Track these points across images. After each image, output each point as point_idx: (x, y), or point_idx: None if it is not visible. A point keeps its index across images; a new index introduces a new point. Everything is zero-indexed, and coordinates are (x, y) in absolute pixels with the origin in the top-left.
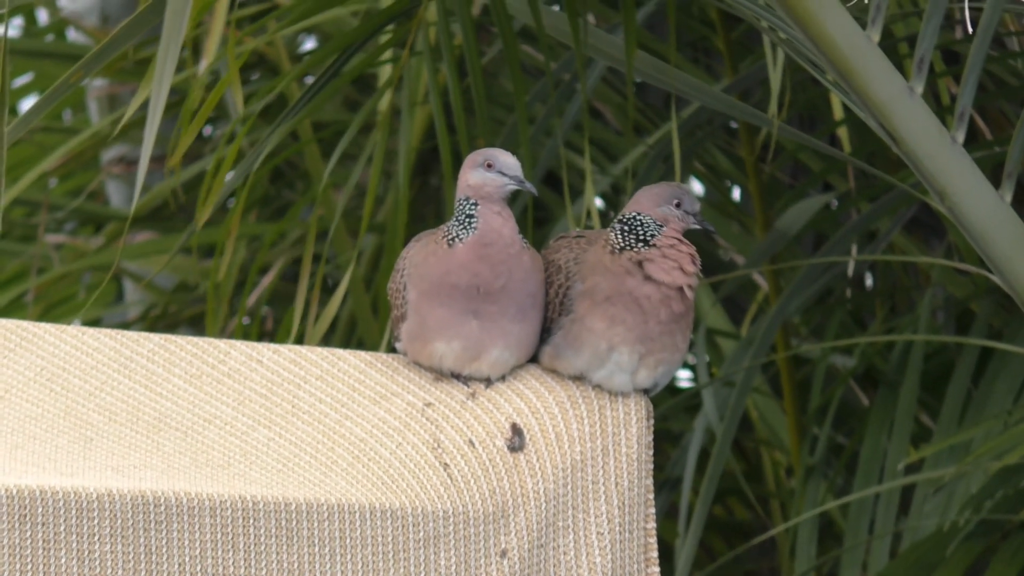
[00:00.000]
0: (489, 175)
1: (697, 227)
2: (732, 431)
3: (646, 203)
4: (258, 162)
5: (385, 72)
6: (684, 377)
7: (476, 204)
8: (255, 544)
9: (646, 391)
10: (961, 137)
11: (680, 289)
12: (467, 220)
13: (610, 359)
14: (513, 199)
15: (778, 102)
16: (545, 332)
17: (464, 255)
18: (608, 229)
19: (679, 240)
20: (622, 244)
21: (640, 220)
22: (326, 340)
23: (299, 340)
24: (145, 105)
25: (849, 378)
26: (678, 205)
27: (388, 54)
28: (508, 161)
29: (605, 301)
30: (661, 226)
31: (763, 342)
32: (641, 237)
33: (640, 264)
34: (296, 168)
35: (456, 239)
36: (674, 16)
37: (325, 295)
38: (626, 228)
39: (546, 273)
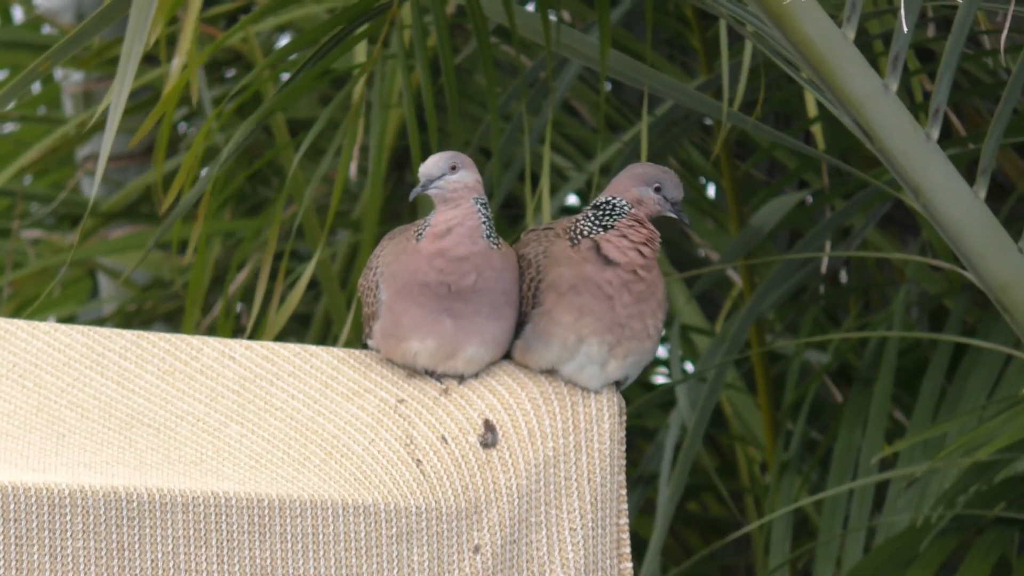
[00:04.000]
0: (451, 178)
1: (672, 215)
2: (703, 426)
3: (625, 183)
4: (226, 152)
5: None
6: (659, 373)
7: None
8: (227, 540)
9: (617, 384)
10: (935, 134)
11: (634, 272)
12: (429, 217)
13: (579, 351)
14: (489, 197)
15: (753, 99)
16: (518, 326)
17: (425, 248)
18: (575, 216)
19: (638, 223)
20: (584, 231)
21: (610, 205)
22: (301, 338)
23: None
24: None
25: (823, 374)
26: (658, 189)
27: (362, 47)
28: (422, 166)
29: (570, 291)
30: (630, 208)
31: (737, 338)
32: (602, 223)
33: (597, 248)
34: (271, 165)
35: (419, 235)
36: (651, 15)
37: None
38: (593, 215)
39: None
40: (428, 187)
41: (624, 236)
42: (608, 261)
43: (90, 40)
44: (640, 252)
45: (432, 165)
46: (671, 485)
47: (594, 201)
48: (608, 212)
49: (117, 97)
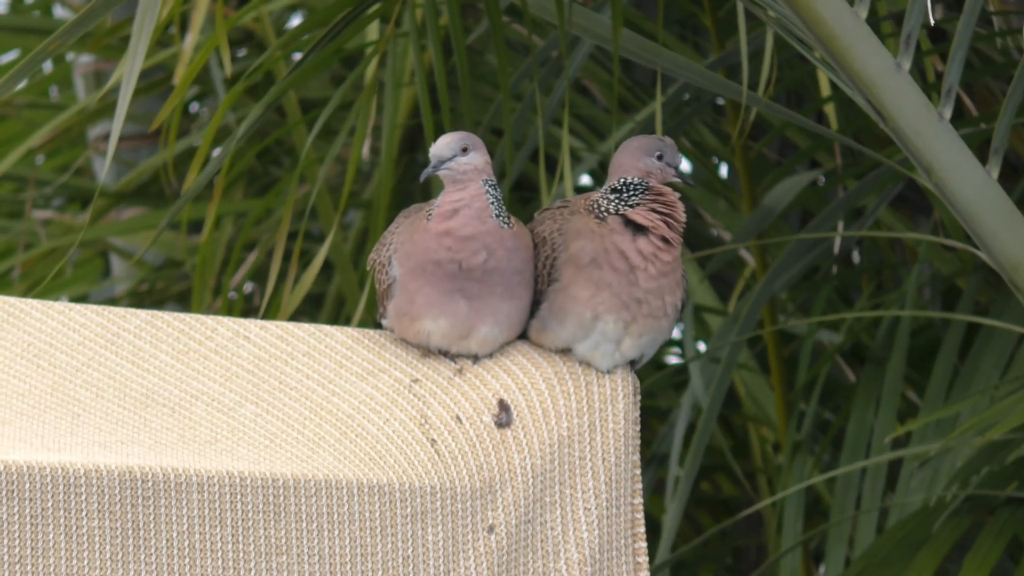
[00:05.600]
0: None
1: (677, 180)
2: (718, 406)
3: (628, 158)
4: (240, 132)
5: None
6: (671, 353)
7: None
8: (242, 520)
9: (632, 363)
10: (948, 114)
11: (666, 240)
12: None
13: (595, 329)
14: (500, 179)
15: (766, 79)
16: (534, 305)
17: (434, 227)
18: (593, 193)
19: (662, 195)
20: (611, 210)
21: (630, 185)
22: (313, 317)
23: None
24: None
25: (836, 354)
26: (660, 157)
27: (374, 26)
28: (433, 146)
29: (590, 264)
30: (648, 185)
31: (750, 318)
32: (628, 203)
33: (626, 221)
34: (283, 144)
35: (429, 214)
36: None
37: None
38: (615, 196)
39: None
40: (439, 168)
41: (653, 209)
42: (638, 228)
43: (101, 19)
44: (670, 219)
45: (443, 146)
46: (686, 466)
47: (610, 184)
48: (632, 191)
49: (127, 79)
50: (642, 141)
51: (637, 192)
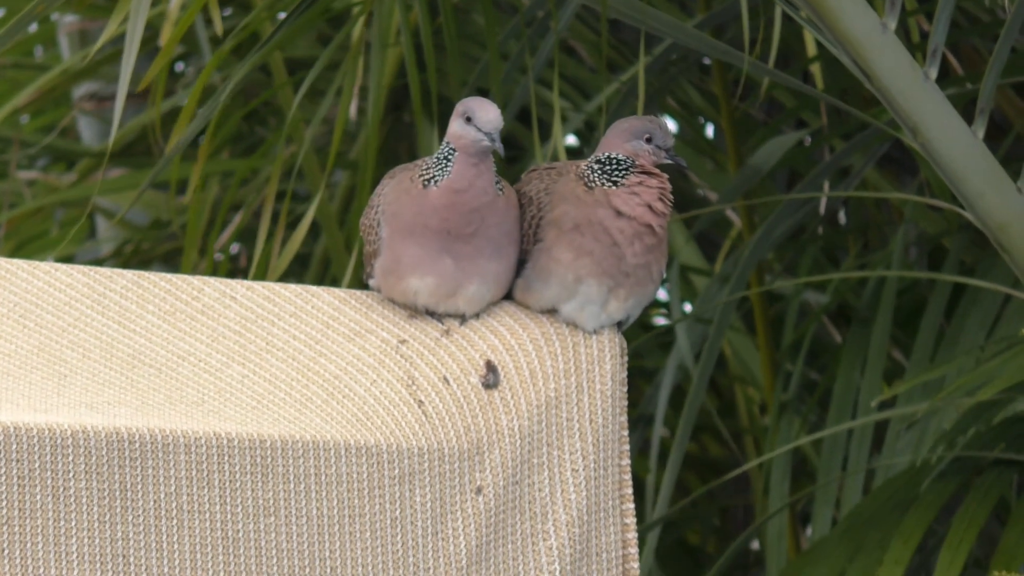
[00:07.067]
0: (468, 128)
1: (669, 162)
2: (709, 370)
3: (616, 139)
4: (227, 93)
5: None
6: (659, 315)
7: (455, 152)
8: (230, 481)
9: (619, 324)
10: (934, 74)
11: (649, 226)
12: (444, 164)
13: (578, 291)
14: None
15: (752, 38)
16: (520, 265)
17: (436, 198)
18: (582, 162)
19: (648, 175)
20: (596, 182)
21: (614, 160)
22: (299, 278)
23: (263, 275)
24: (115, 41)
25: (822, 314)
26: (649, 140)
27: None
28: (486, 116)
29: (573, 230)
30: (633, 163)
31: (739, 281)
32: (611, 179)
33: (609, 200)
34: (269, 105)
35: (432, 180)
36: None
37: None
38: (600, 169)
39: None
40: (497, 142)
41: (636, 194)
42: (620, 213)
43: None
44: (651, 209)
45: (498, 119)
46: (678, 433)
47: (595, 156)
48: (615, 167)
49: (130, 40)
50: (631, 123)
51: (621, 168)
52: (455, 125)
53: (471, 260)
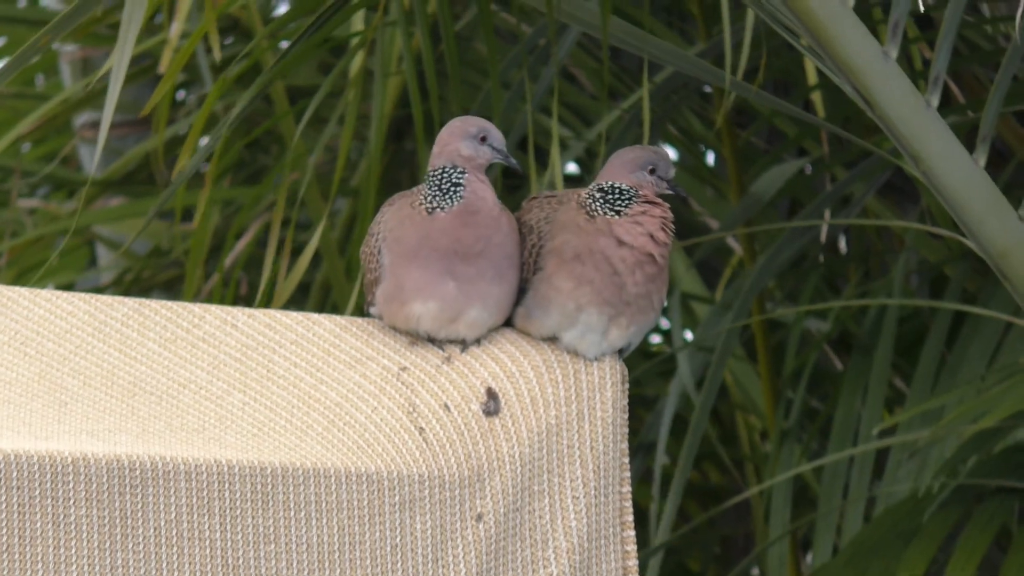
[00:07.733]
0: (483, 148)
1: (671, 192)
2: (712, 398)
3: (620, 169)
4: (230, 120)
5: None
6: (658, 342)
7: (464, 173)
8: (230, 508)
9: (620, 352)
10: (935, 101)
11: (651, 255)
12: (452, 189)
13: (579, 320)
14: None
15: (753, 67)
16: (520, 293)
17: (448, 222)
18: (583, 190)
19: (652, 204)
20: (598, 211)
21: (617, 190)
22: (300, 305)
23: (268, 303)
24: None
25: (823, 342)
26: (652, 171)
27: (361, 14)
28: (500, 136)
29: (574, 259)
30: (636, 193)
31: (741, 309)
32: (614, 208)
33: (612, 229)
34: (271, 133)
35: (438, 209)
36: None
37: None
38: (602, 198)
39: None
40: (508, 158)
41: (638, 223)
42: (622, 243)
43: (91, 13)
44: (653, 238)
45: (503, 138)
46: (680, 462)
47: (598, 184)
48: (618, 196)
49: (117, 67)
50: (636, 153)
51: (624, 197)
52: (466, 147)
53: (473, 283)
